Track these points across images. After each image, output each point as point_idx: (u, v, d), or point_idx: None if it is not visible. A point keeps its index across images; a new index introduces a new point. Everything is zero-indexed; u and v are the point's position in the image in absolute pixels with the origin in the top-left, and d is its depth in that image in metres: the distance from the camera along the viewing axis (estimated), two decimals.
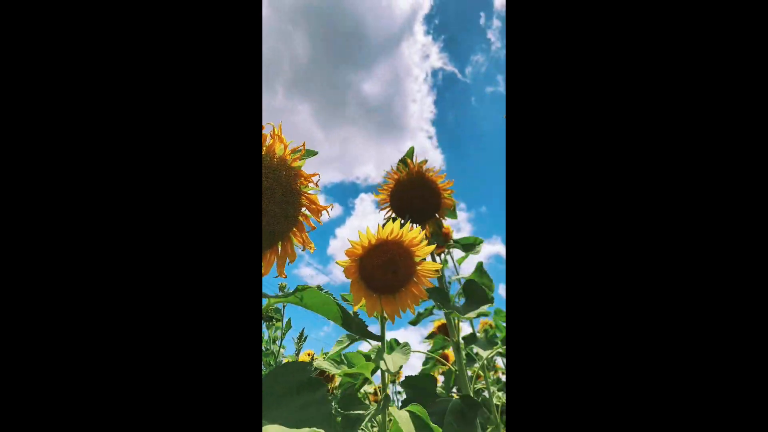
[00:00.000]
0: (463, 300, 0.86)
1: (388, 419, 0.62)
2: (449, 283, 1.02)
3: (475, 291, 0.82)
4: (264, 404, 0.43)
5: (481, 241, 0.95)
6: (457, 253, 1.06)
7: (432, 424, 0.56)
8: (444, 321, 1.28)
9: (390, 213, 0.91)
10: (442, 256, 1.02)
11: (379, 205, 0.92)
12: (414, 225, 0.89)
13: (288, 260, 0.57)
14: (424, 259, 0.67)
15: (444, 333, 1.22)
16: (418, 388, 0.76)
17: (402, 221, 0.58)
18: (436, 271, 0.67)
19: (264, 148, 0.52)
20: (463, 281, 0.93)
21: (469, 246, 0.93)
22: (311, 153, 0.54)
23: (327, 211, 0.57)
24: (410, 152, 0.89)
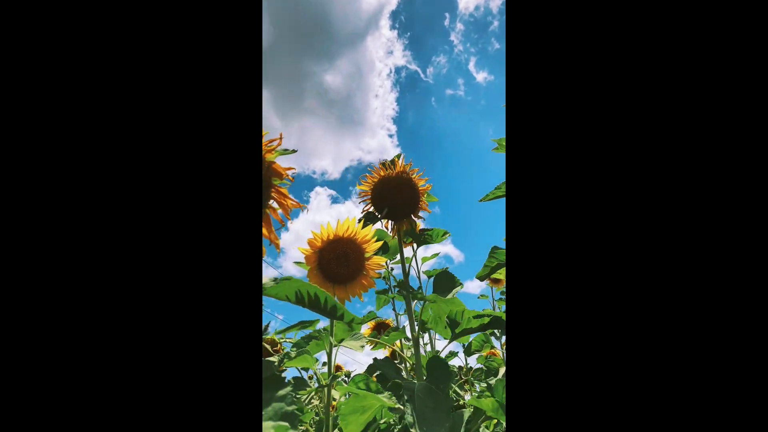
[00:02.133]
0: (430, 291, 0.91)
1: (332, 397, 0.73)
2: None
3: (445, 281, 0.89)
4: None
5: (448, 233, 1.01)
6: (420, 253, 1.11)
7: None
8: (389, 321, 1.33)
9: (369, 206, 0.94)
10: (414, 249, 1.06)
11: (359, 196, 0.95)
12: (390, 221, 0.93)
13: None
14: (375, 254, 0.78)
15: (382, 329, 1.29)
16: (381, 374, 0.83)
17: (378, 215, 0.67)
18: (382, 265, 0.78)
19: None
20: (425, 279, 0.98)
21: (438, 236, 1.01)
22: (288, 151, 0.54)
23: (303, 208, 0.57)
24: (398, 156, 0.93)
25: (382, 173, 0.91)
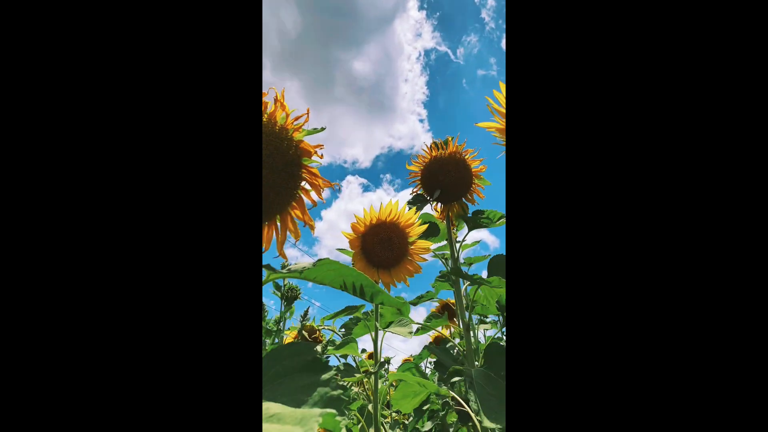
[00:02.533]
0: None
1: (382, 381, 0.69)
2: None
3: (500, 266, 0.84)
4: (263, 383, 0.41)
5: (504, 215, 0.94)
6: (472, 236, 1.06)
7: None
8: (449, 301, 1.28)
9: (418, 187, 0.90)
10: (458, 233, 1.00)
11: (409, 177, 0.91)
12: (440, 204, 0.89)
13: (292, 237, 0.55)
14: (419, 238, 0.75)
15: (449, 312, 1.23)
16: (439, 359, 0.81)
17: (428, 198, 0.64)
18: (428, 249, 0.75)
19: (265, 116, 0.49)
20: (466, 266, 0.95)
21: (495, 218, 0.92)
22: (317, 130, 0.51)
23: (335, 186, 0.54)
24: (451, 137, 0.89)
25: (433, 153, 0.86)
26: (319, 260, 0.47)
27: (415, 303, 0.97)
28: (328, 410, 0.29)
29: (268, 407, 0.34)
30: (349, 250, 0.74)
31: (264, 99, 0.49)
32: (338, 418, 0.31)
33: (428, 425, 0.84)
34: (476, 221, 0.90)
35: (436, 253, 0.99)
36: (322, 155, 0.51)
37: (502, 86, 0.64)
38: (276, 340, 0.84)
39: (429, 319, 1.00)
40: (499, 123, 0.66)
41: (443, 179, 0.85)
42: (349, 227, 0.71)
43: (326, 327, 0.88)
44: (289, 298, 0.96)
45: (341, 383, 0.36)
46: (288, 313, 0.94)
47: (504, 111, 0.65)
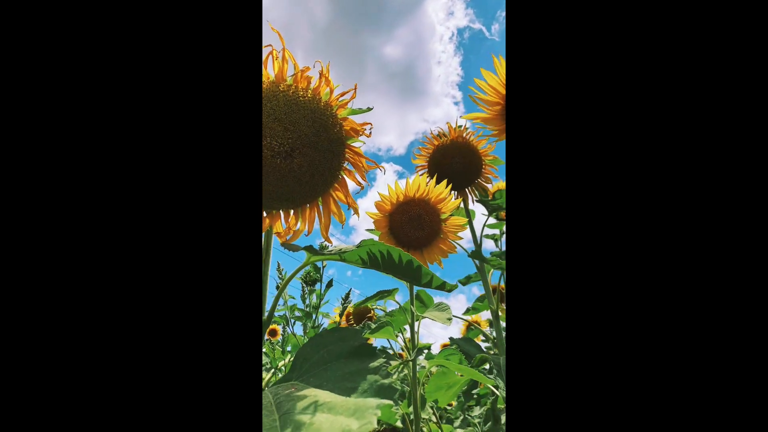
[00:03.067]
0: None
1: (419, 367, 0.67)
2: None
3: None
4: (304, 370, 0.39)
5: None
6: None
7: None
8: None
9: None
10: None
11: (416, 171, 0.89)
12: (455, 192, 0.85)
13: (337, 220, 0.53)
14: (451, 215, 0.70)
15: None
16: (462, 349, 0.78)
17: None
18: (463, 225, 0.69)
19: (310, 91, 0.46)
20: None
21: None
22: (362, 110, 0.48)
23: (381, 168, 0.52)
24: (452, 125, 0.86)
25: (435, 143, 0.83)
26: (363, 241, 0.44)
27: (464, 283, 0.93)
28: (385, 401, 0.26)
29: (316, 395, 0.32)
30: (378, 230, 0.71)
31: (306, 74, 0.47)
32: (393, 408, 0.29)
33: (477, 410, 0.82)
34: (495, 205, 0.87)
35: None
36: (369, 133, 0.49)
37: (484, 72, 0.59)
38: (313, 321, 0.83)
39: (480, 300, 0.97)
40: (486, 112, 0.62)
41: (450, 167, 0.81)
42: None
43: (378, 307, 0.86)
44: (308, 281, 0.95)
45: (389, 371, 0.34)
46: (314, 297, 0.93)
47: (490, 99, 0.61)
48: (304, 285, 0.68)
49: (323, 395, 0.32)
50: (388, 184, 0.66)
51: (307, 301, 0.70)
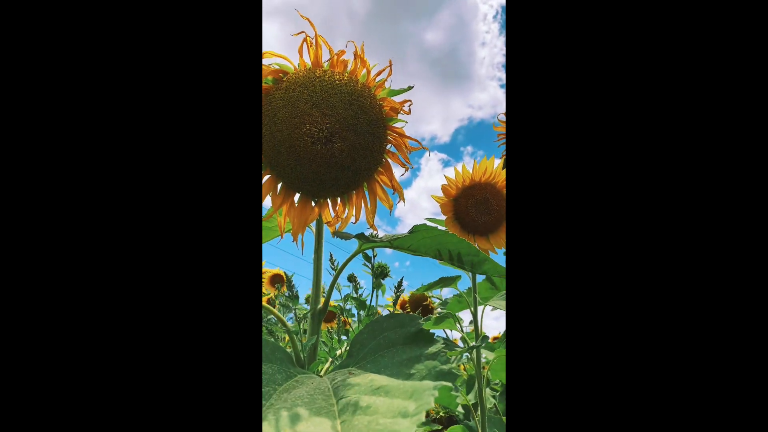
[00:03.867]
0: None
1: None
2: None
3: None
4: (360, 356, 0.39)
5: None
6: None
7: None
8: None
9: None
10: None
11: (497, 140, 0.85)
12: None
13: (384, 206, 0.51)
14: None
15: None
16: None
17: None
18: None
19: (346, 74, 0.46)
20: None
21: None
22: (402, 90, 0.46)
23: (426, 148, 0.50)
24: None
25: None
26: (416, 226, 0.43)
27: None
28: (443, 383, 0.25)
29: (372, 379, 0.31)
30: (439, 218, 0.69)
31: (342, 57, 0.46)
32: (453, 393, 0.28)
33: None
34: None
35: None
36: (409, 110, 0.47)
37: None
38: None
39: None
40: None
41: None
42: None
43: (435, 296, 0.84)
44: (378, 275, 0.95)
45: (449, 357, 0.32)
46: (380, 291, 0.93)
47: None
48: (374, 277, 0.68)
49: (379, 380, 0.31)
50: (455, 167, 0.64)
51: (360, 292, 0.70)
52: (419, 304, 0.85)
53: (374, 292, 0.87)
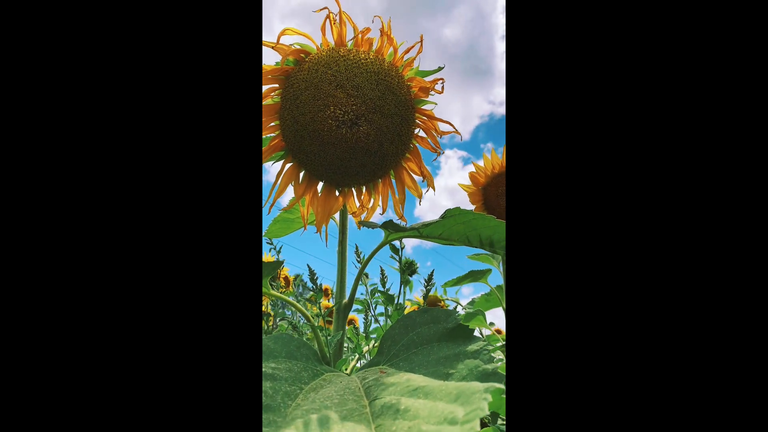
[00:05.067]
0: None
1: None
2: None
3: None
4: (392, 353, 0.36)
5: None
6: None
7: None
8: None
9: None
10: None
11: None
12: None
13: (413, 194, 0.48)
14: None
15: None
16: None
17: None
18: None
19: (372, 52, 0.43)
20: None
21: None
22: (432, 71, 0.43)
23: (458, 132, 0.46)
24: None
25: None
26: (448, 210, 0.39)
27: None
28: (496, 384, 0.21)
29: (409, 379, 0.28)
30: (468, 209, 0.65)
31: (367, 36, 0.43)
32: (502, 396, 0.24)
33: None
34: None
35: None
36: (442, 89, 0.44)
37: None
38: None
39: None
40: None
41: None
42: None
43: (450, 299, 0.80)
44: (406, 271, 0.93)
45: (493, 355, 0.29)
46: (408, 288, 0.90)
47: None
48: (402, 275, 0.65)
49: (417, 379, 0.28)
50: (484, 154, 0.61)
51: (387, 286, 0.67)
52: (432, 306, 0.82)
53: (401, 288, 0.84)
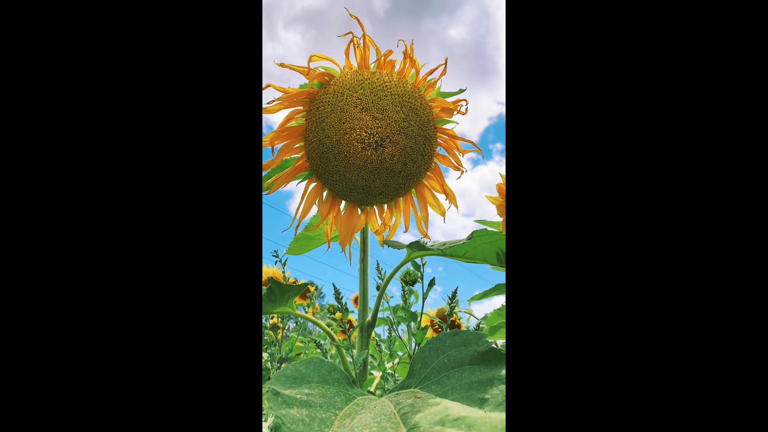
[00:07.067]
0: None
1: None
2: None
3: None
4: (423, 376, 0.36)
5: None
6: None
7: None
8: None
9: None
10: None
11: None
12: None
13: (436, 212, 0.48)
14: None
15: None
16: None
17: None
18: None
19: (395, 74, 0.43)
20: None
21: None
22: (454, 92, 0.43)
23: (480, 151, 0.47)
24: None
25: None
26: (475, 232, 0.40)
27: None
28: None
29: (447, 407, 0.28)
30: (492, 220, 0.64)
31: (389, 58, 0.43)
32: None
33: None
34: None
35: None
36: (465, 110, 0.44)
37: None
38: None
39: None
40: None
41: None
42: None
43: (463, 310, 0.80)
44: (407, 282, 0.92)
45: None
46: (413, 298, 0.90)
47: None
48: (404, 285, 0.64)
49: (454, 407, 0.28)
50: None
51: (408, 302, 0.67)
52: (442, 320, 0.80)
53: (407, 299, 0.83)
